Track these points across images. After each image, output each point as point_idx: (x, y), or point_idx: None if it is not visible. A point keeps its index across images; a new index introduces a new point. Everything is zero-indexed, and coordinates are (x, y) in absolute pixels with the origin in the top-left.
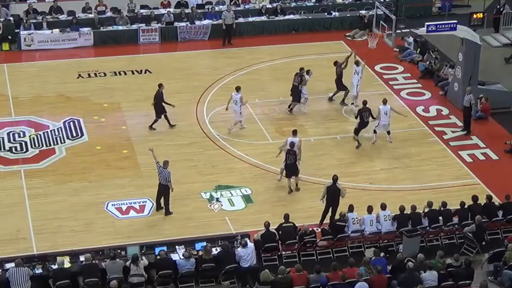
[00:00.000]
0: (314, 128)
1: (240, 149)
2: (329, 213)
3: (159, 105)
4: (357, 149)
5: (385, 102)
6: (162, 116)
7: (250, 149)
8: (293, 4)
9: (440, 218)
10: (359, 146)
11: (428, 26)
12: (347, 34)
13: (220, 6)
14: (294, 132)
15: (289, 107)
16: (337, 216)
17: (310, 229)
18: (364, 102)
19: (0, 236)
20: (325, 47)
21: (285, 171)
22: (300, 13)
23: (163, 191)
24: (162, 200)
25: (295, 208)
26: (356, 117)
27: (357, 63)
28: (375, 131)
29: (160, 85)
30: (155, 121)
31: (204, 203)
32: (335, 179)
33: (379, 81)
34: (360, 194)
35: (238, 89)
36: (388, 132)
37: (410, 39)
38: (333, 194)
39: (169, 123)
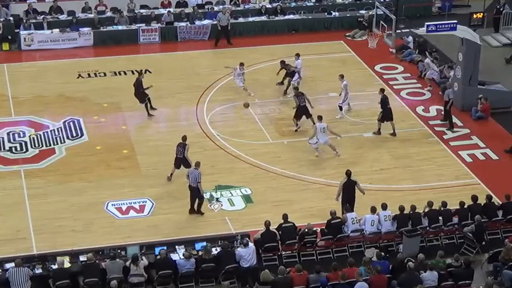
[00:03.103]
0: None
1: (239, 149)
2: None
3: (139, 93)
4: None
5: (342, 77)
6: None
7: (250, 149)
8: (293, 4)
9: (440, 218)
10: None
11: (428, 26)
12: (347, 34)
13: (220, 6)
14: (320, 118)
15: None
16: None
17: (314, 229)
18: (297, 88)
19: (0, 236)
20: (325, 47)
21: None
22: (299, 13)
23: (195, 193)
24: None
25: (295, 208)
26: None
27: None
28: (341, 108)
29: (140, 73)
30: (147, 107)
31: (204, 202)
32: (349, 173)
33: (379, 81)
34: (359, 193)
35: None
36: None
37: (410, 38)
38: (349, 190)
39: (148, 111)
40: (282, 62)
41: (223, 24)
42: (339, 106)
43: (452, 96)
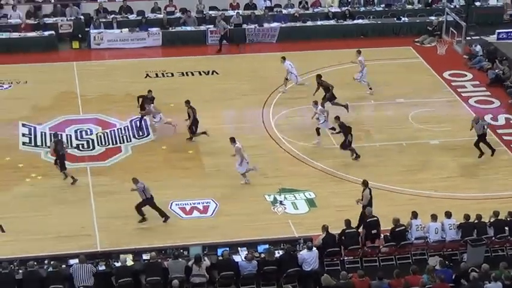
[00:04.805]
0: (379, 134)
1: (304, 152)
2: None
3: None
4: None
5: (316, 103)
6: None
7: (315, 153)
8: (362, 9)
9: (506, 228)
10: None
11: (499, 33)
12: (416, 40)
13: (289, 9)
14: (233, 139)
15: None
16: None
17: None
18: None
19: (65, 232)
20: (394, 52)
21: None
22: (368, 18)
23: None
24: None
25: (358, 213)
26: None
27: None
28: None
29: (149, 91)
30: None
31: (268, 205)
32: (367, 183)
33: (447, 88)
34: (424, 201)
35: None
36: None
37: (478, 47)
38: (371, 199)
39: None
40: (318, 77)
41: (222, 33)
42: (316, 129)
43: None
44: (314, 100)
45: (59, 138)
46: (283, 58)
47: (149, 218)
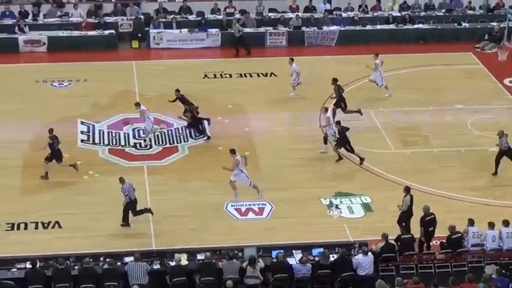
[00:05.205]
0: (437, 140)
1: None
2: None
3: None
4: None
5: (326, 110)
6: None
7: (371, 157)
8: (422, 13)
9: None
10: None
11: None
12: (476, 46)
13: (349, 13)
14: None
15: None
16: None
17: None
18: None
19: (120, 230)
20: (453, 57)
21: None
22: (429, 22)
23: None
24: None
25: (414, 219)
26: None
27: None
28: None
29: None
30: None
31: (323, 208)
32: (409, 189)
33: (508, 95)
34: (482, 208)
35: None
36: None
37: None
38: (411, 206)
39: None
40: (334, 80)
41: (237, 35)
42: (324, 138)
43: (507, 144)
44: (324, 106)
45: (54, 134)
46: (292, 59)
47: (205, 217)
